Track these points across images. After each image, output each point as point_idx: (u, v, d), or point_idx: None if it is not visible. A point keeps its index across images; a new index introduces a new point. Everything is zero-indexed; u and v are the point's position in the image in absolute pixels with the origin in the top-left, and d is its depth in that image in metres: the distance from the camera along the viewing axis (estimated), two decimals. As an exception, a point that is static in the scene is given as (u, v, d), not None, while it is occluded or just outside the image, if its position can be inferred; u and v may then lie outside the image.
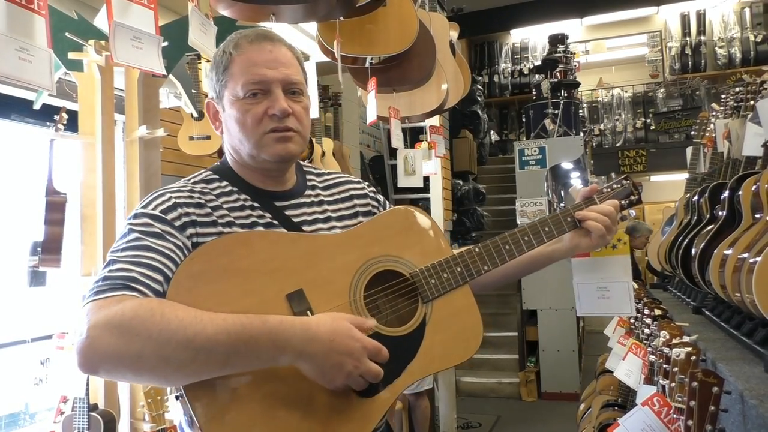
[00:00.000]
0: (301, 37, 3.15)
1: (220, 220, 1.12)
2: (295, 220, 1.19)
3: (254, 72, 1.11)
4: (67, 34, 2.08)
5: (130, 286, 0.97)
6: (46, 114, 2.40)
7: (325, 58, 2.46)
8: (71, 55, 2.14)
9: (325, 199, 1.27)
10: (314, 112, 2.14)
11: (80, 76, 2.19)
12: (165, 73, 1.58)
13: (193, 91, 3.34)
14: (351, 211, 1.30)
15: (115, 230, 2.17)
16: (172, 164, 4.02)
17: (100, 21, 1.80)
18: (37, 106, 2.29)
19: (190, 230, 1.09)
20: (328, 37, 2.29)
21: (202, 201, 1.13)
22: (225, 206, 1.14)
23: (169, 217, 1.08)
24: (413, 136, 5.25)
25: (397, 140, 2.87)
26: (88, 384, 2.05)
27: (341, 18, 2.22)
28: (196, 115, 3.52)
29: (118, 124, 2.32)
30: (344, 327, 0.99)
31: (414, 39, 2.45)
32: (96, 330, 0.90)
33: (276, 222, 1.16)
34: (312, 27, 2.89)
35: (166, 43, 1.94)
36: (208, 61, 3.95)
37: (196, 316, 0.93)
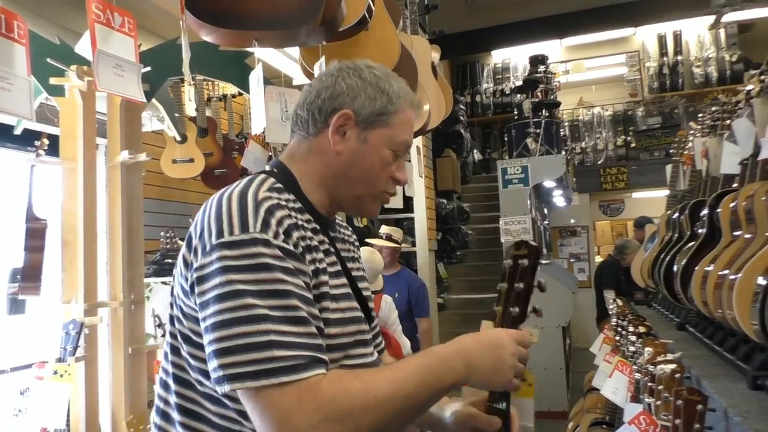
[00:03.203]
0: (284, 60, 3.17)
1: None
2: (342, 254, 1.12)
3: (409, 135, 1.10)
4: (48, 59, 2.08)
5: (314, 359, 0.86)
6: (27, 139, 2.38)
7: (308, 81, 2.47)
8: (53, 81, 2.13)
9: (346, 238, 1.23)
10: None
11: (62, 101, 2.19)
12: (145, 100, 1.58)
13: (176, 114, 3.33)
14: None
15: (96, 256, 2.15)
16: (156, 188, 4.00)
17: (82, 48, 1.80)
18: (17, 132, 2.28)
19: (308, 256, 0.97)
20: (310, 60, 2.31)
21: (296, 221, 0.98)
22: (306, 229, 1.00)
23: (293, 246, 0.93)
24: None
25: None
26: (68, 415, 2.01)
27: (323, 42, 2.24)
28: (179, 138, 3.52)
29: (100, 149, 2.31)
30: (485, 331, 1.01)
31: (396, 62, 2.48)
32: (318, 428, 0.83)
33: (337, 260, 1.08)
34: (295, 50, 2.91)
35: (148, 68, 1.94)
36: (192, 84, 3.96)
37: (394, 381, 0.90)
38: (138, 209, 2.30)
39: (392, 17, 2.64)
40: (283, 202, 0.96)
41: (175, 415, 0.98)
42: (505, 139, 7.42)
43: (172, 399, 0.99)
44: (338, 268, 1.06)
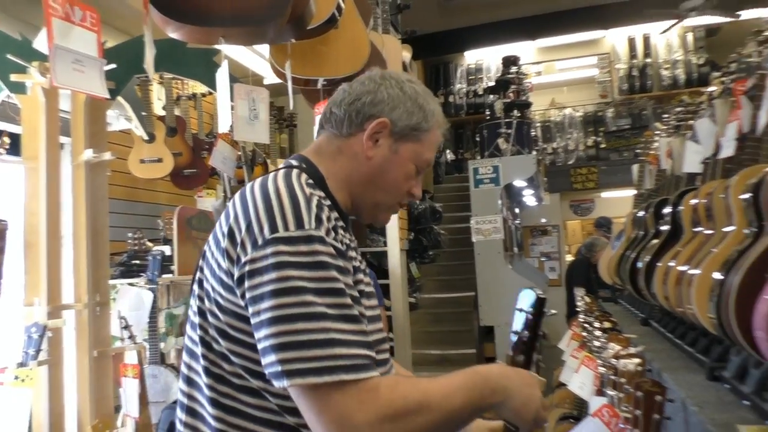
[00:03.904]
0: (253, 58, 3.15)
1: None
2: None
3: (433, 154, 1.14)
4: (9, 55, 2.03)
5: (370, 359, 0.89)
6: (-12, 138, 2.33)
7: (279, 79, 2.46)
8: (14, 77, 2.09)
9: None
10: (265, 137, 2.13)
11: (24, 98, 2.14)
12: (108, 96, 1.56)
13: (144, 113, 3.29)
14: None
15: (59, 258, 2.11)
16: (123, 188, 3.95)
17: (40, 43, 1.76)
18: (-23, 130, 2.23)
19: (348, 254, 0.98)
20: (279, 58, 2.30)
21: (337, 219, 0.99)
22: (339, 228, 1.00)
23: (340, 243, 0.95)
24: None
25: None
26: (30, 420, 1.97)
27: (292, 40, 2.24)
28: (147, 137, 3.47)
29: (64, 148, 2.27)
30: (513, 369, 1.06)
31: (366, 61, 2.48)
32: (377, 428, 0.85)
33: (362, 259, 1.10)
34: (265, 48, 2.89)
35: (113, 66, 1.92)
36: (160, 82, 3.92)
37: (445, 393, 0.93)
38: (103, 209, 2.26)
39: (363, 16, 2.65)
40: (323, 200, 0.97)
41: (209, 409, 0.97)
42: (477, 139, 7.47)
43: (203, 394, 0.98)
44: (364, 266, 1.07)
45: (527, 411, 1.02)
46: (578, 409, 2.63)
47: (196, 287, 1.01)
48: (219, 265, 0.95)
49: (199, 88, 4.35)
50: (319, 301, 0.86)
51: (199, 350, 0.98)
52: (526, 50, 9.89)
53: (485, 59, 10.70)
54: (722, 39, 9.20)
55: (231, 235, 0.93)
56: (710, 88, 2.57)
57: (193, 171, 4.04)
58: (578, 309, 3.46)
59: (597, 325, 2.36)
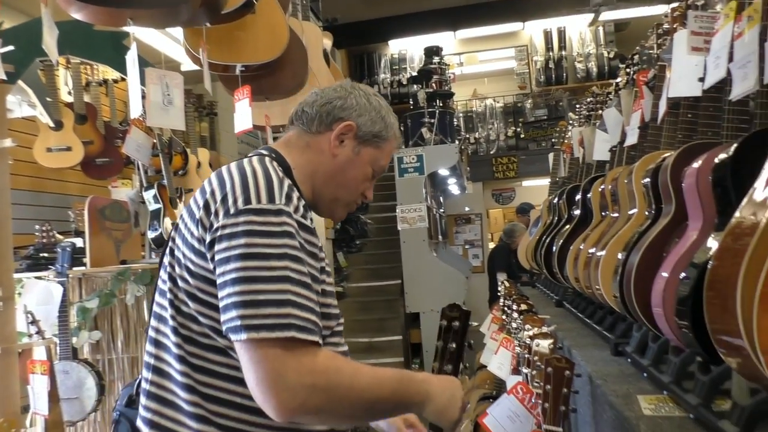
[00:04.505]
0: (168, 43, 3.04)
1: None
2: None
3: (386, 163, 1.27)
4: None
5: (318, 327, 0.97)
6: None
7: (196, 66, 2.39)
8: None
9: None
10: (181, 123, 2.07)
11: None
12: (5, 79, 1.46)
13: (49, 99, 3.11)
14: None
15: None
16: (28, 178, 3.73)
17: (-72, 20, 1.63)
18: None
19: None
20: (194, 43, 2.23)
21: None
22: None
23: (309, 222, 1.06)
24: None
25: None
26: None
27: (207, 24, 2.17)
28: (53, 125, 3.29)
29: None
30: (435, 376, 1.18)
31: (284, 47, 2.45)
32: (306, 390, 0.93)
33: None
34: (179, 31, 2.80)
35: (11, 48, 1.80)
36: (67, 67, 3.71)
37: (375, 378, 1.02)
38: (5, 199, 2.12)
39: (281, 2, 2.60)
40: (292, 186, 1.07)
41: (176, 367, 1.05)
42: (402, 129, 7.54)
43: (171, 354, 1.06)
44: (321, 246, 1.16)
45: (448, 414, 1.11)
46: (498, 389, 2.72)
47: (166, 258, 1.10)
48: (192, 234, 1.04)
49: (111, 73, 4.15)
50: (281, 265, 0.95)
51: (168, 313, 1.07)
52: (448, 41, 10.04)
53: (409, 49, 10.78)
54: (630, 33, 9.68)
55: (206, 206, 1.02)
56: (618, 79, 2.70)
57: (106, 160, 3.86)
58: (499, 294, 3.58)
59: (515, 307, 2.45)
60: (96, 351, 2.82)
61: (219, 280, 0.97)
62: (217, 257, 0.98)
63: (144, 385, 1.11)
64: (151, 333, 1.12)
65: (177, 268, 1.06)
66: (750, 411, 0.94)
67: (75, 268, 2.74)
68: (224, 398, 1.02)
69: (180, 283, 1.05)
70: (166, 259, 1.10)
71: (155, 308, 1.12)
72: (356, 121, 1.20)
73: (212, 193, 1.03)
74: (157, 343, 1.10)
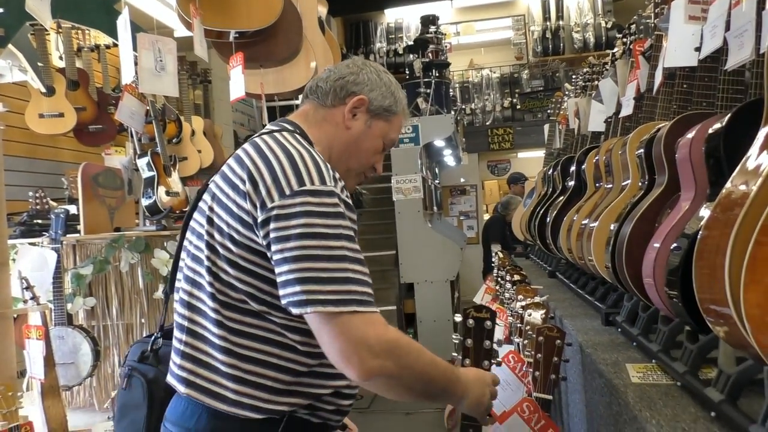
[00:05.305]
0: (159, 8, 2.99)
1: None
2: None
3: (397, 136, 1.35)
4: None
5: (373, 297, 1.05)
6: None
7: (189, 32, 2.35)
8: None
9: None
10: (174, 89, 2.05)
11: None
12: (-5, 41, 1.44)
13: (40, 64, 3.07)
14: None
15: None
16: (21, 144, 3.70)
17: None
18: None
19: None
20: (187, 8, 2.20)
21: None
22: None
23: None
24: (283, 114, 5.19)
25: (266, 118, 2.83)
26: None
27: (200, -11, 2.14)
28: (44, 90, 3.25)
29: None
30: (471, 369, 1.24)
31: (278, 14, 2.41)
32: (385, 353, 1.01)
33: None
34: (172, -2, 2.75)
35: (0, 10, 1.77)
36: (58, 32, 3.65)
37: (433, 359, 1.10)
38: (-3, 166, 2.11)
39: (276, -33, 2.55)
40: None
41: (214, 330, 1.11)
42: (397, 98, 7.46)
43: (208, 318, 1.12)
44: None
45: (480, 407, 1.20)
46: (489, 358, 2.75)
47: (203, 227, 1.13)
48: (239, 206, 1.08)
49: (103, 39, 4.08)
50: (338, 245, 1.03)
51: (205, 280, 1.12)
52: (445, 10, 9.90)
53: (405, 18, 10.64)
54: (628, 3, 9.55)
55: (253, 182, 1.07)
56: (614, 50, 2.68)
57: (99, 127, 3.82)
58: (494, 265, 3.60)
59: (508, 278, 2.47)
60: (91, 317, 2.84)
61: (277, 257, 1.03)
62: (273, 234, 1.04)
63: (177, 345, 1.17)
64: (184, 296, 1.17)
65: (218, 236, 1.11)
66: (735, 379, 0.96)
67: (69, 235, 2.74)
68: (260, 359, 1.10)
69: (221, 251, 1.10)
70: (203, 229, 1.14)
71: (188, 273, 1.17)
72: (368, 96, 1.27)
73: (259, 171, 1.08)
74: (191, 307, 1.15)
